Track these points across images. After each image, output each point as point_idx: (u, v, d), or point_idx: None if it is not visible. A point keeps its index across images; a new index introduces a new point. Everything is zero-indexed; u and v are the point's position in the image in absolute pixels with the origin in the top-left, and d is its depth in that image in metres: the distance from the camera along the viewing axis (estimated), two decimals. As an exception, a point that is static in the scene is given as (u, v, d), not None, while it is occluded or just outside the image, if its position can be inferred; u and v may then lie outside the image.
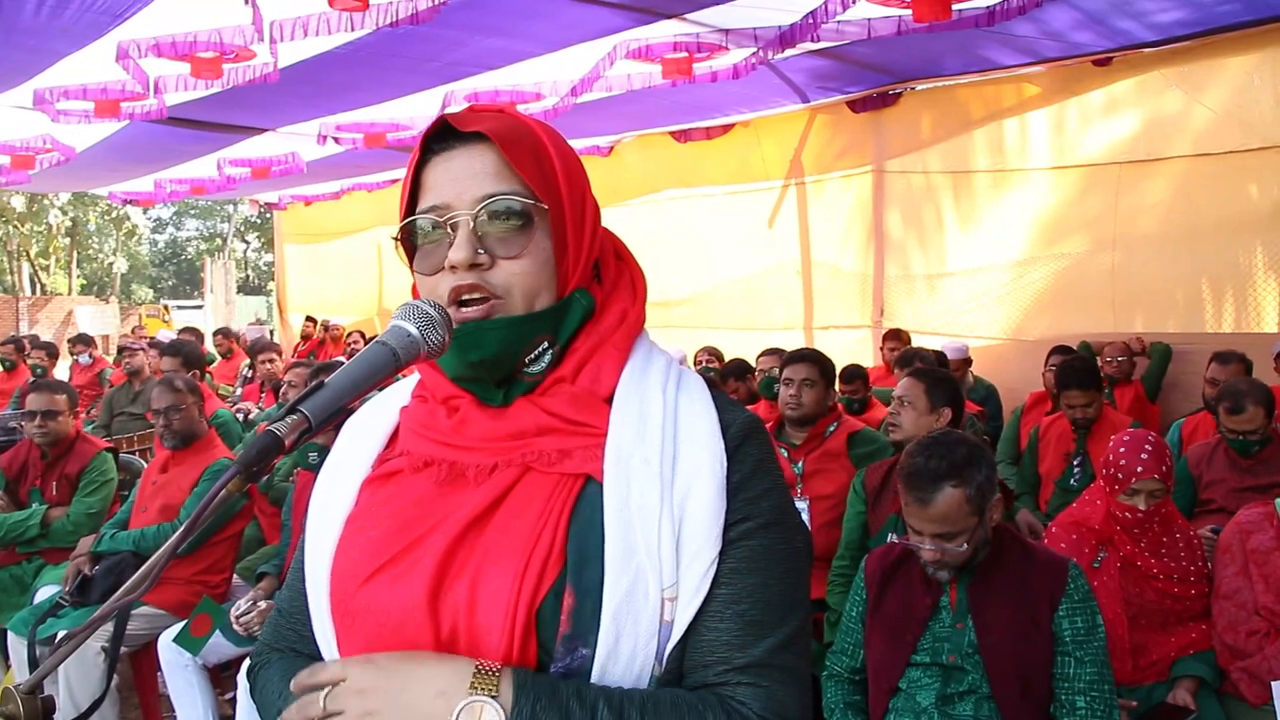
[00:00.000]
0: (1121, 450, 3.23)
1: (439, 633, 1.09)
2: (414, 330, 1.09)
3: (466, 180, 1.16)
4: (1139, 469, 3.17)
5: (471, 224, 1.14)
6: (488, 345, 1.14)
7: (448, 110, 6.44)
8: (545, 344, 1.18)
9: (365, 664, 1.09)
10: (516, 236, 1.15)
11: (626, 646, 1.08)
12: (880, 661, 2.67)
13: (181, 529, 1.01)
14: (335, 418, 1.02)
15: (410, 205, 1.21)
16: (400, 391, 1.32)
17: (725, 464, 1.15)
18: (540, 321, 1.17)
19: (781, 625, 1.13)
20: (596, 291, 1.23)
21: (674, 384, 1.21)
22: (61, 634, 4.09)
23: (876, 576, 2.74)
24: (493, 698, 1.03)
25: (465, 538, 1.12)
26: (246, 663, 3.73)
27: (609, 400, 1.18)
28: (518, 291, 1.15)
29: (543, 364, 1.19)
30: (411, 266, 1.22)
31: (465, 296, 1.15)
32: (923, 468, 2.58)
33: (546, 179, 1.18)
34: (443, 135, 1.19)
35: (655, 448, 1.13)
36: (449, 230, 1.15)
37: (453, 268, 1.14)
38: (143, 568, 1.12)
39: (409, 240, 1.21)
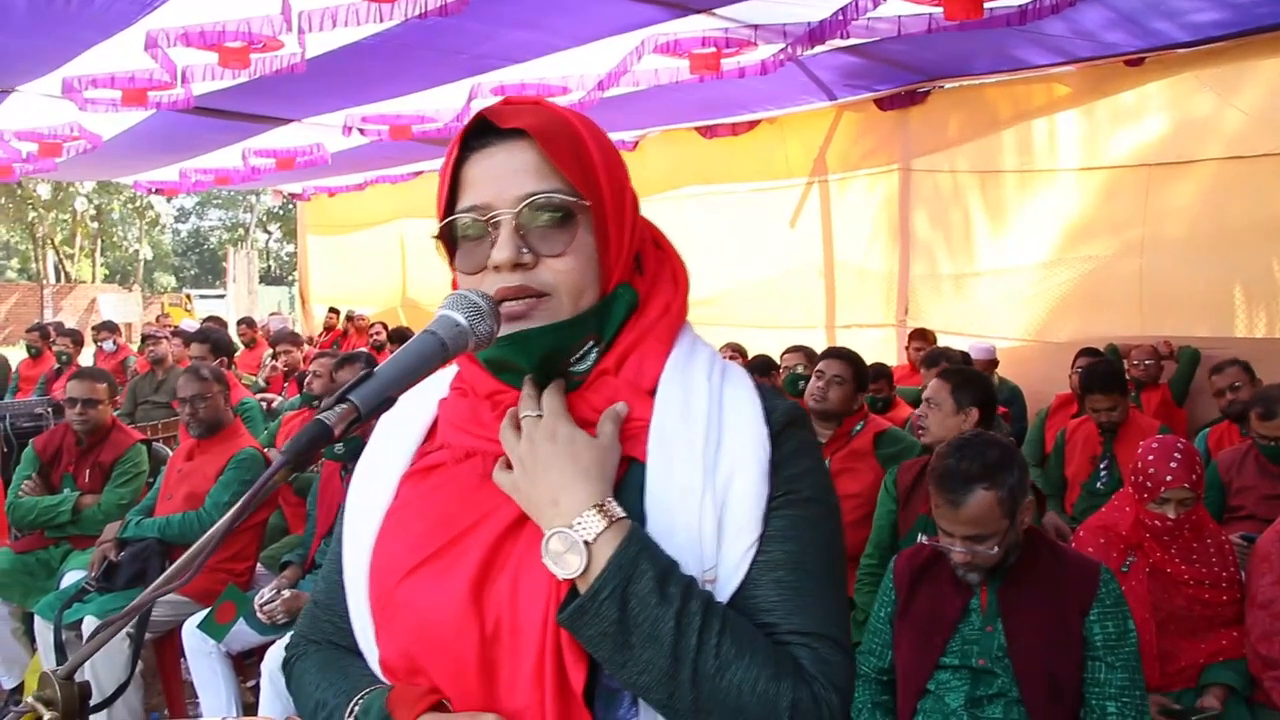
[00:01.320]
0: (1151, 458, 3.19)
1: (483, 627, 1.09)
2: (462, 320, 1.09)
3: (507, 178, 1.15)
4: (1168, 477, 3.12)
5: (514, 223, 1.13)
6: (538, 349, 1.14)
7: (480, 104, 6.45)
8: (591, 343, 1.18)
9: None
10: (559, 234, 1.14)
11: None
12: (909, 663, 2.65)
13: (228, 517, 1.00)
14: (384, 407, 1.02)
15: (449, 202, 1.20)
16: (436, 384, 1.30)
17: (769, 447, 1.14)
18: (587, 322, 1.16)
19: (822, 591, 1.12)
20: (639, 283, 1.22)
21: (718, 373, 1.21)
22: (88, 620, 4.12)
23: (906, 577, 2.72)
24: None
25: (510, 531, 1.12)
26: (270, 651, 3.76)
27: (652, 393, 1.17)
28: (563, 290, 1.14)
29: (588, 362, 1.18)
30: (453, 264, 1.21)
31: (510, 297, 1.14)
32: (954, 469, 2.56)
33: (587, 173, 1.17)
34: (480, 131, 1.18)
35: (700, 431, 1.13)
36: (490, 229, 1.15)
37: (496, 267, 1.13)
38: (184, 556, 1.11)
39: (449, 237, 1.20)
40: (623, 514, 1.06)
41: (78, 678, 1.13)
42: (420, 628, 1.13)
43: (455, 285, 1.23)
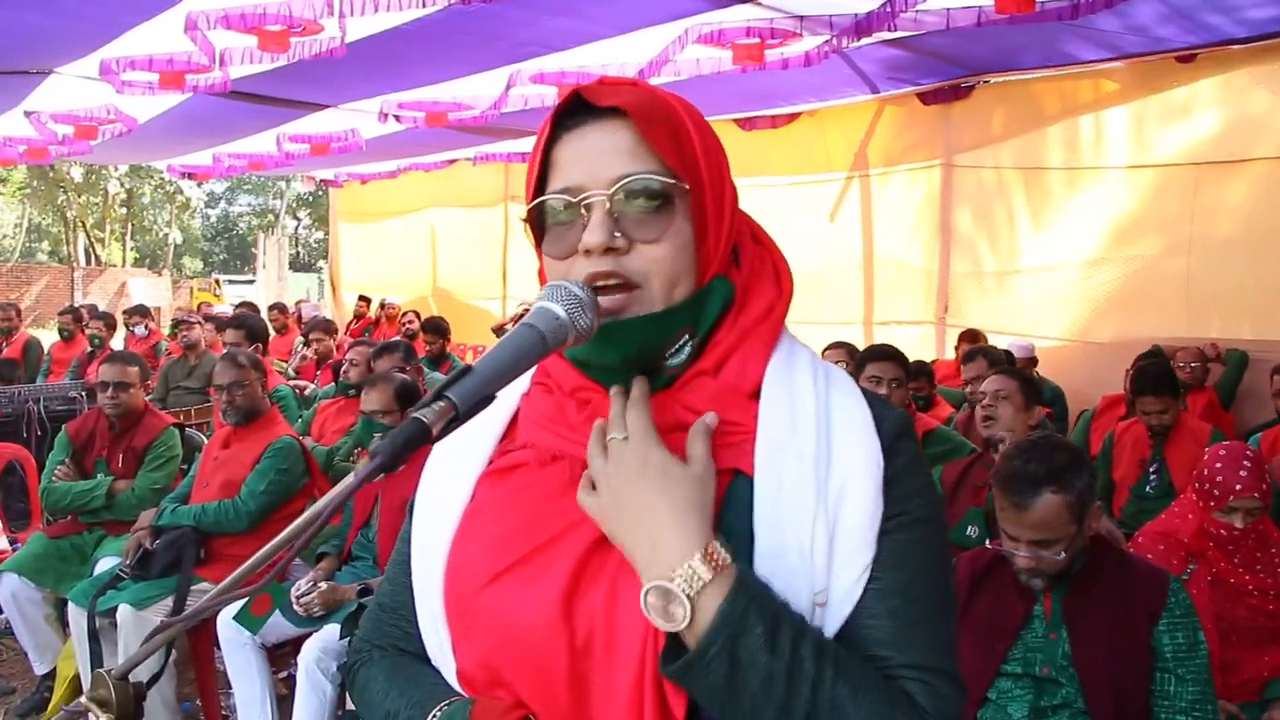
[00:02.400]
0: (1219, 465, 3.09)
1: (573, 638, 1.02)
2: (562, 313, 1.02)
3: (601, 158, 1.08)
4: (1238, 486, 3.03)
5: (608, 205, 1.07)
6: (629, 343, 1.07)
7: (519, 93, 6.37)
8: (686, 337, 1.10)
9: None
10: (655, 219, 1.08)
11: None
12: (968, 669, 2.54)
13: (305, 517, 0.94)
14: (482, 405, 0.95)
15: (539, 185, 1.13)
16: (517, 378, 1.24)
17: (882, 461, 1.07)
18: (681, 314, 1.09)
19: (935, 622, 1.06)
20: (735, 277, 1.15)
21: (823, 378, 1.14)
22: (123, 608, 4.09)
23: (966, 580, 2.64)
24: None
25: (603, 541, 1.05)
26: (307, 644, 3.72)
27: (754, 396, 1.10)
28: (656, 278, 1.07)
29: (682, 356, 1.11)
30: (539, 249, 1.14)
31: (601, 283, 1.07)
32: (1021, 471, 2.47)
33: (685, 157, 1.10)
34: (574, 110, 1.11)
35: (809, 442, 1.06)
36: (583, 211, 1.08)
37: (587, 252, 1.06)
38: (254, 558, 1.06)
39: (537, 221, 1.13)
40: (728, 559, 0.98)
41: (113, 665, 1.09)
42: (504, 637, 1.06)
43: (541, 272, 1.16)
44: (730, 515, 1.04)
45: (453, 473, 1.20)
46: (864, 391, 1.16)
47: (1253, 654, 3.11)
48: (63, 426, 5.14)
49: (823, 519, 1.03)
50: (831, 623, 1.02)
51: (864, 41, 6.24)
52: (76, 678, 4.36)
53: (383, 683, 1.20)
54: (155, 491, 4.79)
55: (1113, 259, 7.30)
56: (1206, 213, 6.80)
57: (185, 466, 5.06)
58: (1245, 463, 3.07)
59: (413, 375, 5.28)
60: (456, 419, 0.93)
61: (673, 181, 1.08)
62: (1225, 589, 3.12)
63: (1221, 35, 6.27)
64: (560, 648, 1.02)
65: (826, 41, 6.19)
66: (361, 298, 14.02)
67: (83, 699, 1.11)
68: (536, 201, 1.12)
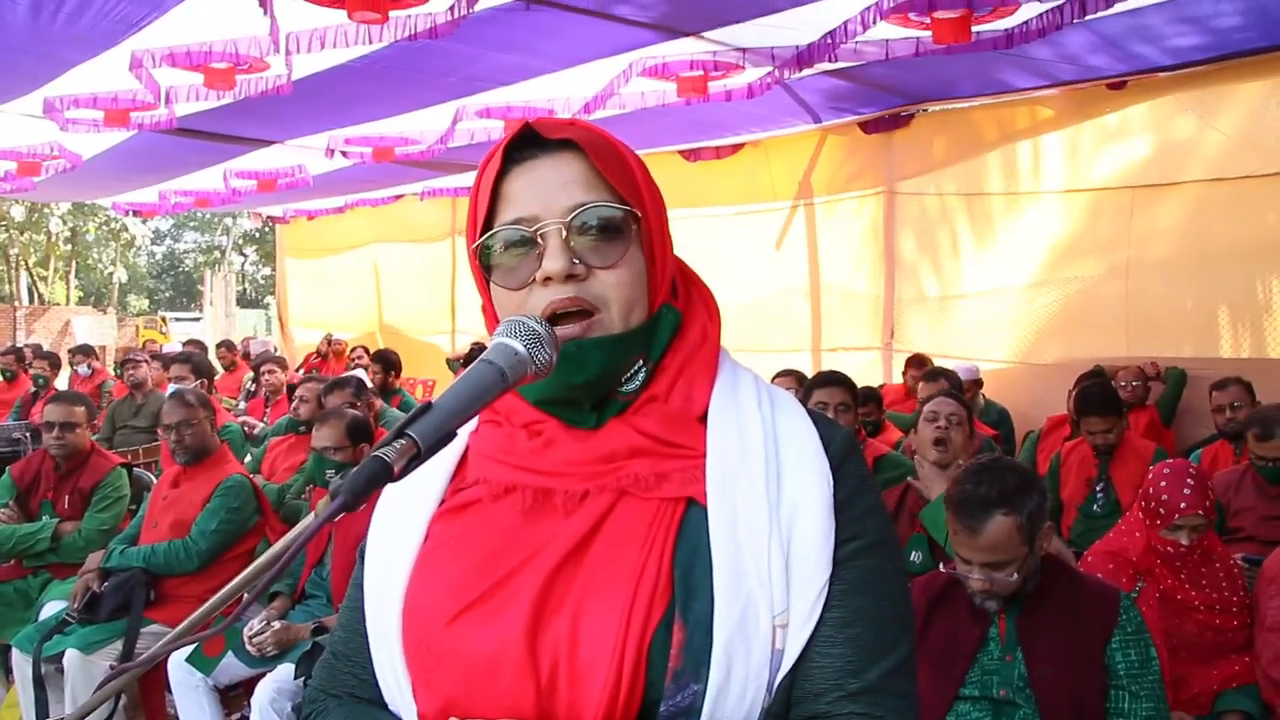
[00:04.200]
0: (1163, 484, 3.15)
1: (538, 673, 1.02)
2: (521, 349, 1.03)
3: (555, 189, 1.10)
4: (1182, 504, 3.09)
5: (564, 233, 1.09)
6: (592, 365, 1.08)
7: (465, 127, 6.37)
8: (640, 362, 1.13)
9: None
10: (612, 245, 1.10)
11: (738, 679, 1.01)
12: (926, 694, 2.60)
13: (261, 561, 0.95)
14: (444, 442, 0.96)
15: (488, 219, 1.14)
16: None
17: (832, 481, 1.09)
18: (637, 339, 1.12)
19: (894, 648, 1.08)
20: (678, 307, 1.18)
21: (767, 400, 1.16)
22: (70, 653, 4.02)
23: (922, 605, 2.67)
24: None
25: (563, 570, 1.06)
26: (260, 685, 3.67)
27: (702, 419, 1.12)
28: (615, 303, 1.10)
29: (636, 383, 1.13)
30: (485, 284, 1.16)
31: (561, 310, 1.08)
32: (973, 495, 2.52)
33: (633, 189, 1.13)
34: (523, 144, 1.13)
35: (759, 467, 1.08)
36: (539, 241, 1.09)
37: (547, 279, 1.08)
38: (206, 604, 1.06)
39: (483, 256, 1.14)
40: None
41: (60, 711, 1.09)
42: (468, 678, 1.06)
43: (487, 308, 1.17)
44: (687, 545, 1.06)
45: (404, 513, 1.19)
46: (809, 411, 1.19)
47: (1202, 668, 3.17)
48: (5, 469, 5.06)
49: (778, 541, 1.05)
50: (792, 644, 1.04)
51: (805, 72, 6.34)
52: (23, 727, 4.27)
53: None
54: (103, 533, 4.72)
55: (1053, 281, 7.44)
56: (1142, 235, 6.96)
57: (134, 507, 4.99)
58: (1189, 480, 3.13)
59: (364, 411, 5.25)
60: (418, 457, 0.93)
61: (626, 209, 1.11)
62: (1173, 605, 3.18)
63: (1148, 63, 6.43)
64: (526, 684, 1.02)
65: (769, 73, 6.28)
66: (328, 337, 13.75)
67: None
68: (489, 234, 1.12)
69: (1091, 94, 7.02)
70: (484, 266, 1.14)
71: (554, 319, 1.08)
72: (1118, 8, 4.97)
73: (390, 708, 1.17)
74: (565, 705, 1.02)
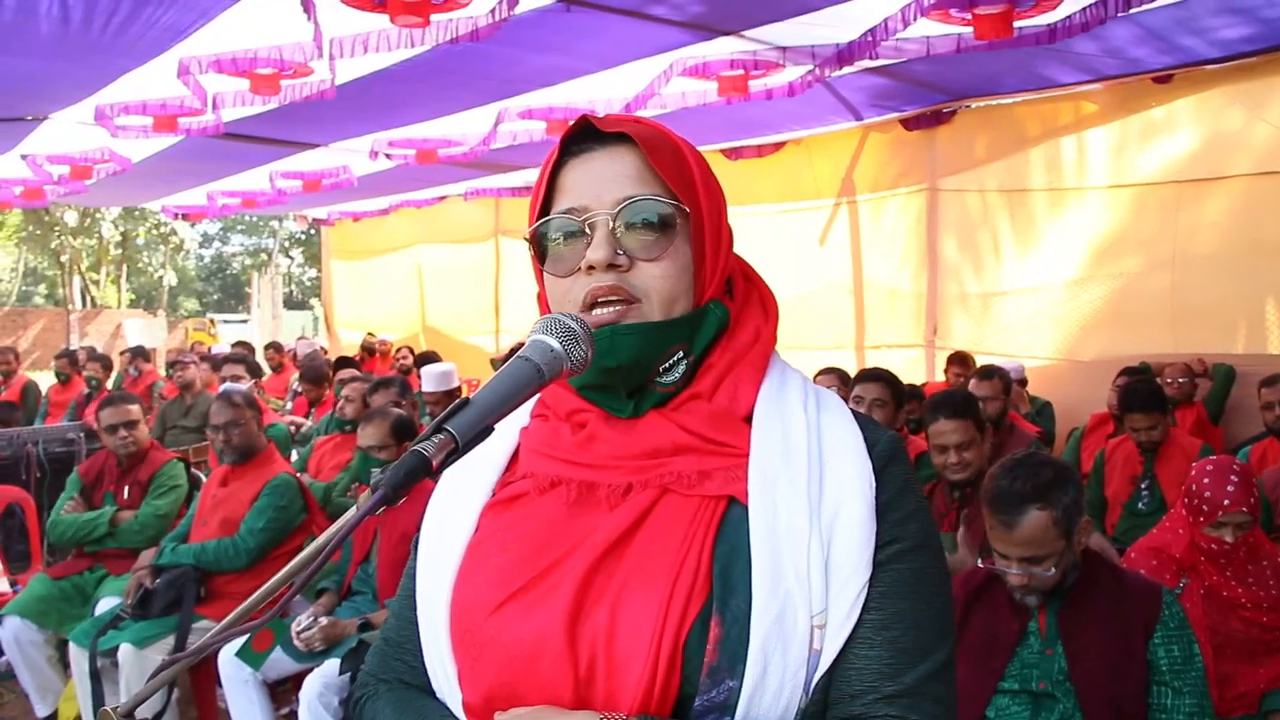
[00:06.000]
0: (1206, 481, 3.12)
1: (576, 663, 1.05)
2: (557, 345, 1.06)
3: (607, 181, 1.14)
4: (1226, 501, 3.06)
5: (610, 224, 1.12)
6: (624, 351, 1.10)
7: (507, 128, 6.41)
8: (680, 353, 1.15)
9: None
10: (657, 239, 1.13)
11: (774, 678, 1.03)
12: (965, 688, 2.59)
13: (306, 553, 0.98)
14: (481, 437, 0.98)
15: (544, 208, 1.18)
16: (517, 412, 1.29)
17: (874, 484, 1.11)
18: (676, 328, 1.14)
19: (933, 652, 1.09)
20: (730, 306, 1.20)
21: (814, 402, 1.18)
22: (124, 647, 4.11)
23: (960, 600, 2.67)
24: None
25: (604, 563, 1.08)
26: (308, 680, 3.73)
27: (747, 419, 1.14)
28: (656, 295, 1.12)
29: (676, 374, 1.15)
30: (540, 270, 1.19)
31: (602, 298, 1.11)
32: (1008, 490, 2.51)
33: (687, 185, 1.15)
34: (581, 137, 1.16)
35: (801, 468, 1.10)
36: (587, 231, 1.13)
37: (590, 268, 1.11)
38: (255, 594, 1.09)
39: (540, 243, 1.18)
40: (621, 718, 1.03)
41: (114, 703, 1.11)
42: (509, 666, 1.08)
43: (541, 295, 1.21)
44: (727, 543, 1.07)
45: (457, 506, 1.23)
46: (855, 414, 1.20)
47: (1248, 667, 3.12)
48: (74, 469, 5.27)
49: (818, 542, 1.06)
50: (830, 645, 1.05)
51: (846, 70, 6.32)
52: (79, 719, 4.37)
53: (390, 716, 1.22)
54: (159, 518, 4.85)
55: (1097, 277, 7.36)
56: (1188, 229, 6.86)
57: (185, 505, 5.10)
58: (1233, 477, 3.10)
59: (408, 410, 5.31)
60: (456, 451, 0.96)
61: (674, 204, 1.13)
62: (1218, 602, 3.14)
63: (1195, 56, 6.34)
64: (565, 674, 1.05)
65: (809, 71, 6.26)
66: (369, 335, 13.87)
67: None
68: (542, 221, 1.16)
69: (1137, 88, 6.92)
70: (539, 255, 1.19)
71: (597, 305, 1.12)
72: (1162, 0, 4.92)
73: (438, 695, 1.20)
74: (602, 695, 1.04)
